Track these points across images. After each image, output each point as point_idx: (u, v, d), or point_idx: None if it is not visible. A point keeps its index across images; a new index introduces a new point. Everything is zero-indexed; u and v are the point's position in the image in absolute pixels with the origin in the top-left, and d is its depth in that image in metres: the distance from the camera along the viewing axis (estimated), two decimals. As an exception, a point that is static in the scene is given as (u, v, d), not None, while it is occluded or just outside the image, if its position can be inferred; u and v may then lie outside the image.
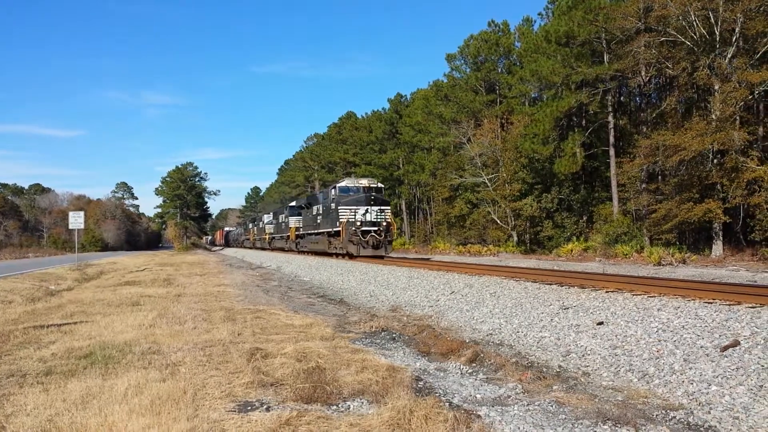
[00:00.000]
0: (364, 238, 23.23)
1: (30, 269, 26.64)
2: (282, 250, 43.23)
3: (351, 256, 24.02)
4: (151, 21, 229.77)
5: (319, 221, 29.15)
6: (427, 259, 26.53)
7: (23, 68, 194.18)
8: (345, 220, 23.68)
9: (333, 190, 26.16)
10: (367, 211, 23.68)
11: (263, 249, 53.43)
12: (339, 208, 24.21)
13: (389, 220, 24.23)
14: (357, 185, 25.49)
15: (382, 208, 24.25)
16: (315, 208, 30.32)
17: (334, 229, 25.08)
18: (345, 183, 25.98)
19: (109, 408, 4.83)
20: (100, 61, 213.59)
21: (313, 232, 30.84)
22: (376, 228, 23.51)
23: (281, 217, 43.18)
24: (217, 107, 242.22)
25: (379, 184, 26.76)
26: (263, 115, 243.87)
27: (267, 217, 52.14)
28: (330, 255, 27.66)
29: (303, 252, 35.17)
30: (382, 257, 23.23)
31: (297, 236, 36.08)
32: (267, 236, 49.94)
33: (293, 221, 37.18)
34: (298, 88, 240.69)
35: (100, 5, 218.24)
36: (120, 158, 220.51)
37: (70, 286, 19.12)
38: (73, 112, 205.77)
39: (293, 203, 40.69)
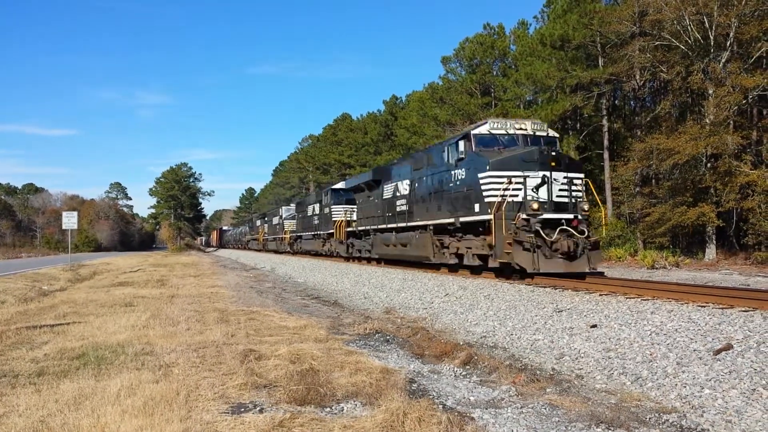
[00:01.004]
0: (548, 236, 11.45)
1: (23, 269, 26.49)
2: (311, 254, 32.03)
3: (514, 275, 12.66)
4: (144, 20, 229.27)
5: (402, 207, 17.53)
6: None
7: (15, 67, 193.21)
8: (497, 199, 11.94)
9: (462, 143, 13.78)
10: (544, 180, 11.91)
11: (278, 252, 43.79)
12: (481, 176, 12.58)
13: (585, 202, 12.78)
14: (513, 131, 13.42)
15: (572, 176, 12.45)
16: (388, 187, 19.15)
17: (462, 219, 13.57)
18: (487, 127, 13.50)
19: (102, 409, 4.81)
20: (94, 59, 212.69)
21: (389, 227, 18.90)
22: (569, 217, 11.91)
23: (313, 208, 31.30)
24: (212, 107, 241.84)
25: (552, 132, 14.37)
26: (258, 115, 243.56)
27: (286, 211, 41.24)
28: (434, 267, 16.18)
29: (360, 259, 23.65)
30: (583, 277, 11.77)
31: (349, 234, 24.56)
32: (287, 235, 39.29)
33: (339, 212, 25.63)
34: (293, 89, 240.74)
35: (94, 3, 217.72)
36: (114, 158, 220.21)
37: (63, 286, 19.03)
38: (66, 111, 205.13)
39: (339, 185, 28.54)
